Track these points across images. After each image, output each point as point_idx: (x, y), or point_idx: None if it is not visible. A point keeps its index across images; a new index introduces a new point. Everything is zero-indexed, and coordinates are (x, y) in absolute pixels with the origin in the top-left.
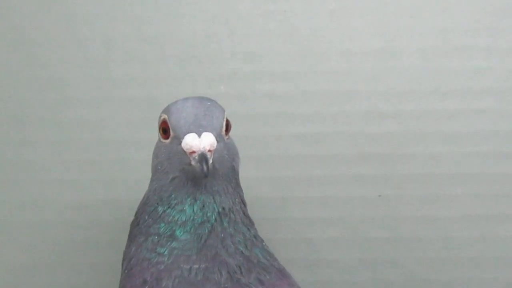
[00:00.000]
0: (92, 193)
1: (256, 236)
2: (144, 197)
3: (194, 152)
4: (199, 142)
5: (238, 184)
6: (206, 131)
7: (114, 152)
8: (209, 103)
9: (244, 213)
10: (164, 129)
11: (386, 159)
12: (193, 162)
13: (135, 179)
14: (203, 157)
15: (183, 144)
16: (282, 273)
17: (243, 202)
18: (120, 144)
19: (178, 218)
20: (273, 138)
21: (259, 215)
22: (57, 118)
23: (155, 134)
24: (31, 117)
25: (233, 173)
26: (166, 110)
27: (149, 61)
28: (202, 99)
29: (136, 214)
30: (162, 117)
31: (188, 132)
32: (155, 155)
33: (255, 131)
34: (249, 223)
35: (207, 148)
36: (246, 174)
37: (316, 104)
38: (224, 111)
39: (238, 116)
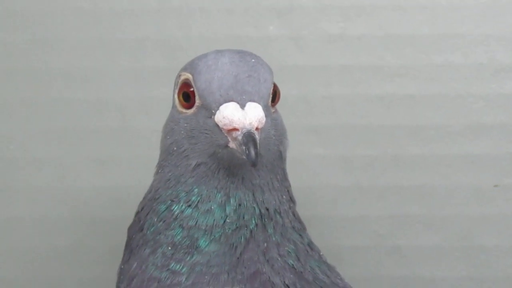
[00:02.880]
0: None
1: (310, 245)
2: (149, 191)
3: (235, 129)
4: (243, 116)
5: (285, 176)
6: (252, 100)
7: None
8: (253, 60)
9: (294, 215)
10: (186, 95)
11: None
12: (232, 144)
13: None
14: (250, 138)
15: (217, 117)
16: None
17: (292, 200)
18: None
19: (202, 222)
20: (344, 102)
21: (315, 211)
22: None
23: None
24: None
25: (280, 161)
26: (190, 67)
27: None
28: (243, 54)
29: (137, 214)
30: (183, 77)
31: (226, 101)
32: (169, 131)
33: (316, 92)
34: (301, 227)
35: (255, 124)
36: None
37: (404, 51)
38: (272, 72)
39: (292, 71)
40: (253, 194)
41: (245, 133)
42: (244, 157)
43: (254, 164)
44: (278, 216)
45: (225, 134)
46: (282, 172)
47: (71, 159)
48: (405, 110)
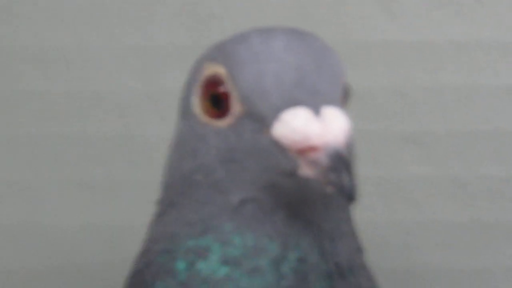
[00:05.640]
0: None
1: None
2: (154, 240)
3: (312, 148)
4: (324, 127)
5: (351, 214)
6: (328, 103)
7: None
8: (319, 44)
9: (365, 268)
10: (216, 98)
11: None
12: (307, 170)
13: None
14: (341, 161)
15: (279, 131)
16: None
17: (360, 248)
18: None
19: (245, 286)
20: (455, 96)
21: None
22: None
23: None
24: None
25: None
26: (222, 55)
27: None
28: (302, 35)
29: (136, 273)
30: (208, 70)
31: (290, 105)
32: (189, 153)
33: (416, 82)
34: (376, 285)
35: (342, 140)
36: None
37: None
38: (341, 61)
39: (382, 50)
40: (321, 244)
41: (332, 154)
42: (330, 190)
43: (353, 198)
44: (351, 274)
45: (293, 156)
46: (348, 208)
47: (47, 183)
48: None
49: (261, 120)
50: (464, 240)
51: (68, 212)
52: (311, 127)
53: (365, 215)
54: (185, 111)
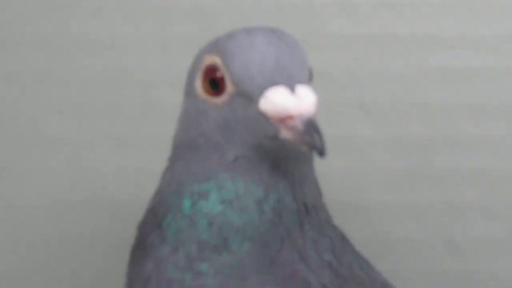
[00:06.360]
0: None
1: (344, 238)
2: (167, 184)
3: (289, 117)
4: (299, 101)
5: (313, 165)
6: (300, 82)
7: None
8: (290, 39)
9: (323, 206)
10: (214, 81)
11: None
12: (286, 134)
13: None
14: (313, 126)
15: (264, 105)
16: None
17: (320, 191)
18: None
19: (235, 220)
20: (396, 76)
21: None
22: None
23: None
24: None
25: None
26: (218, 49)
27: None
28: (278, 32)
29: (151, 210)
30: (207, 61)
31: (272, 85)
32: (193, 124)
33: (365, 65)
34: (332, 220)
35: (312, 110)
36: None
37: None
38: (306, 51)
39: (339, 41)
40: (293, 189)
41: (306, 120)
42: (305, 148)
43: (323, 154)
44: (314, 212)
45: (274, 124)
46: (312, 160)
47: (89, 138)
48: (463, 85)
49: (249, 97)
50: (404, 180)
51: (106, 160)
52: (288, 101)
53: (323, 167)
54: (190, 92)
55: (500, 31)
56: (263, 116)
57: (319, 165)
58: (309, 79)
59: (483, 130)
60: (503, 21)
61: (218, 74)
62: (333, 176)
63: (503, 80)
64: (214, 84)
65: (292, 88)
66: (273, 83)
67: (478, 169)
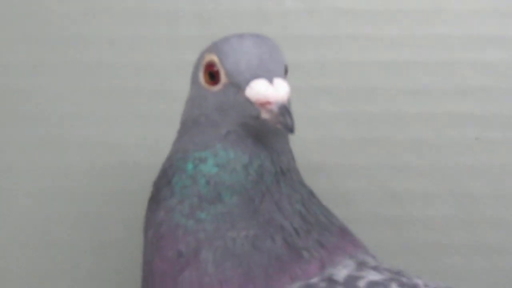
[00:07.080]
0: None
1: (312, 193)
2: (175, 151)
3: (268, 103)
4: (276, 91)
5: (288, 139)
6: (277, 76)
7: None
8: (270, 43)
9: (296, 169)
10: (212, 74)
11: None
12: (265, 115)
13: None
14: (285, 110)
15: (249, 93)
16: (345, 232)
17: (293, 158)
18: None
19: (227, 179)
20: (351, 66)
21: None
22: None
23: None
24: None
25: None
26: (215, 49)
27: None
28: (261, 37)
29: (163, 171)
30: (207, 58)
31: (255, 78)
32: (196, 105)
33: (327, 58)
34: (302, 179)
35: (286, 97)
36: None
37: (402, 23)
38: (282, 51)
39: (307, 40)
40: (271, 157)
41: (280, 105)
42: (279, 126)
43: (292, 131)
44: (289, 173)
45: (257, 107)
46: (286, 134)
47: (117, 114)
48: (402, 74)
49: (238, 87)
50: (355, 146)
51: (131, 133)
52: (267, 90)
53: (295, 138)
54: (195, 81)
55: (428, 32)
56: (248, 101)
57: (292, 136)
58: (285, 73)
59: (418, 107)
60: (431, 25)
61: (215, 69)
62: (303, 145)
63: (429, 70)
64: (212, 76)
65: (270, 80)
66: (257, 76)
67: (413, 138)
